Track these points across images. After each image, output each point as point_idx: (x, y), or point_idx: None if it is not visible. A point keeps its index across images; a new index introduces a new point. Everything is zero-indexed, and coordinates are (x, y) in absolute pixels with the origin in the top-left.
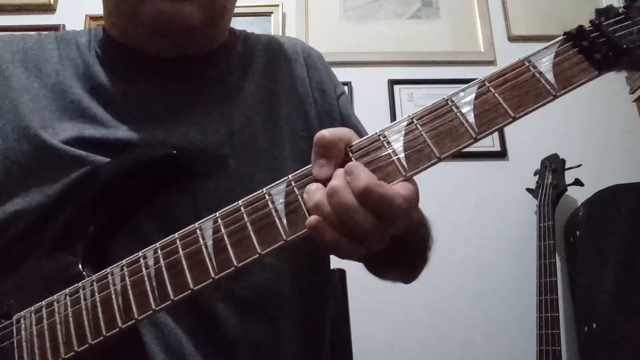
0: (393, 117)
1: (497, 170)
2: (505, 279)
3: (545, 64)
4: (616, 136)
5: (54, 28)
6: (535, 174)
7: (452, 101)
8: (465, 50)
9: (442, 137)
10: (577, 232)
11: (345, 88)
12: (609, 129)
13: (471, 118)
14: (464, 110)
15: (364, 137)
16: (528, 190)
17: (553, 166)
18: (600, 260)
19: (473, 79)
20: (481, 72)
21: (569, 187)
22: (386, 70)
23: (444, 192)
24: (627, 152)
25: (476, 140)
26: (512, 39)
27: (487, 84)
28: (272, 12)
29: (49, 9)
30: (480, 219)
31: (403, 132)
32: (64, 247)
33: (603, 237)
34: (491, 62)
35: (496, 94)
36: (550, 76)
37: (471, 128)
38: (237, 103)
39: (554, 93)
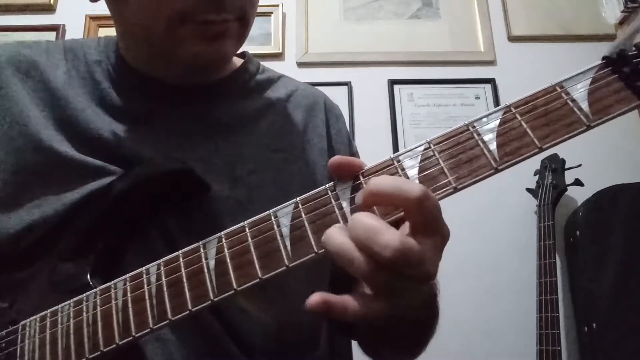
0: (393, 117)
1: None
2: (505, 279)
3: (580, 91)
4: (616, 136)
5: (54, 28)
6: (535, 174)
7: (474, 127)
8: (465, 50)
9: (461, 166)
10: (577, 232)
11: (345, 88)
12: (609, 129)
13: (493, 147)
14: (486, 137)
15: (378, 162)
16: (528, 190)
17: (553, 166)
18: (600, 260)
19: (473, 79)
20: (481, 72)
21: (569, 187)
22: (386, 70)
23: None
24: (627, 152)
25: (497, 171)
26: (512, 39)
27: (513, 110)
28: (272, 12)
29: (49, 9)
30: (480, 219)
31: (419, 158)
32: (77, 256)
33: (603, 237)
34: (491, 62)
35: (522, 122)
36: (584, 105)
37: (492, 158)
38: (245, 140)
39: (587, 123)
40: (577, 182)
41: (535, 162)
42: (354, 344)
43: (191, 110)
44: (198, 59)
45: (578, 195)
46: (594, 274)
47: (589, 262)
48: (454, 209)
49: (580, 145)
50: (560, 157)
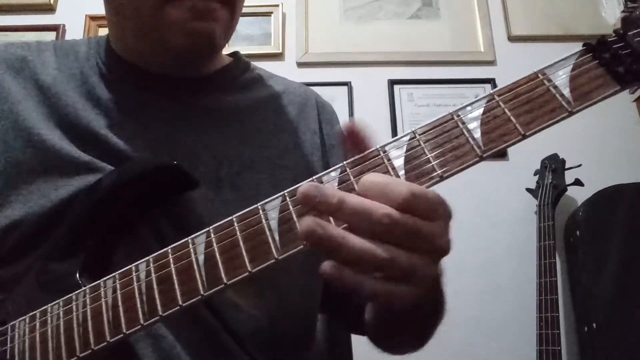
0: (393, 117)
1: (497, 170)
2: (505, 279)
3: (561, 78)
4: (616, 136)
5: (54, 28)
6: (535, 174)
7: (458, 115)
8: (465, 50)
9: (446, 154)
10: (577, 232)
11: (345, 88)
12: (609, 128)
13: (477, 135)
14: (470, 126)
15: (364, 152)
16: (528, 190)
17: (553, 166)
18: (600, 260)
19: (473, 79)
20: (481, 72)
21: (569, 187)
22: (386, 70)
23: (443, 192)
24: (627, 152)
25: (482, 159)
26: (512, 39)
27: (497, 98)
28: (272, 12)
29: (49, 9)
30: (481, 219)
31: (405, 148)
32: (66, 255)
33: (603, 237)
34: (491, 62)
35: (506, 109)
36: (566, 91)
37: (477, 146)
38: (235, 136)
39: (569, 109)
40: (577, 182)
41: (535, 162)
42: (355, 343)
43: (181, 101)
44: (187, 39)
45: (578, 195)
46: (594, 273)
47: (589, 262)
48: (454, 209)
49: (580, 145)
50: (560, 157)
